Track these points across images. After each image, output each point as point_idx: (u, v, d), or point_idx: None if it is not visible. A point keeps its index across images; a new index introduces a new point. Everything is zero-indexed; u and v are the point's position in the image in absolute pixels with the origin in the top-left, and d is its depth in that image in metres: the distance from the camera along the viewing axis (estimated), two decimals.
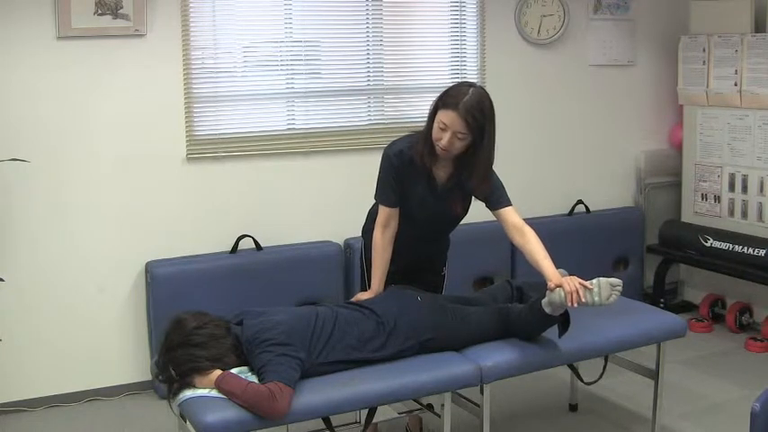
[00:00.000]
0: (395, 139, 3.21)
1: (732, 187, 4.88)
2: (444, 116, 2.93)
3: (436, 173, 3.11)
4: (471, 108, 2.90)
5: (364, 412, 3.00)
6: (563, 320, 3.01)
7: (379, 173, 3.16)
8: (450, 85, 3.07)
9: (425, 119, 4.56)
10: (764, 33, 4.63)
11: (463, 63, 4.75)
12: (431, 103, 3.05)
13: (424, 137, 3.04)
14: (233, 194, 4.25)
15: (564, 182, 5.07)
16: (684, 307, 5.20)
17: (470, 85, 3.03)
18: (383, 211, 3.17)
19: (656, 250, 5.14)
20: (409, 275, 3.26)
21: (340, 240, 4.37)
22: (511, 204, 3.11)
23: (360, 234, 3.41)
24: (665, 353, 3.40)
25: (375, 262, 3.19)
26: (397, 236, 3.20)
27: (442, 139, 2.95)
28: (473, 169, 3.02)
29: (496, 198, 3.10)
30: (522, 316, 3.09)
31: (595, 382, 3.58)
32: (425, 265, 3.36)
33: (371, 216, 3.32)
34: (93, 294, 4.00)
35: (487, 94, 3.00)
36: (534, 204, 4.71)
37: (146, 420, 3.84)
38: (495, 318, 3.12)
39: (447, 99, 2.95)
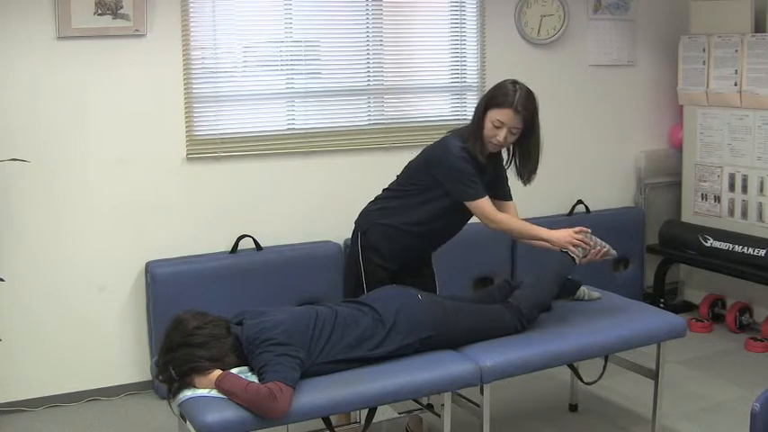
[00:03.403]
0: (438, 141, 3.29)
1: (732, 187, 4.89)
2: (499, 114, 3.12)
3: (485, 165, 3.24)
4: (525, 103, 3.12)
5: (364, 412, 3.00)
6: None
7: (459, 173, 3.17)
8: (496, 85, 3.22)
9: (425, 118, 4.61)
10: (764, 33, 4.63)
11: (463, 63, 4.75)
12: (480, 102, 3.22)
13: (475, 135, 3.17)
14: (233, 194, 4.25)
15: (564, 182, 5.07)
16: (684, 307, 5.20)
17: (514, 82, 3.18)
18: (485, 202, 3.19)
19: (656, 250, 5.14)
20: (406, 272, 3.32)
21: (340, 240, 4.37)
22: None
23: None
24: (665, 353, 3.40)
25: (524, 224, 3.27)
26: (421, 233, 3.29)
27: (498, 136, 3.14)
28: (529, 157, 3.24)
29: (507, 191, 3.37)
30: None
31: (595, 382, 3.58)
32: (422, 264, 3.44)
33: (365, 217, 3.37)
34: (94, 294, 4.00)
35: (532, 90, 3.19)
36: (534, 204, 4.70)
37: (146, 420, 3.84)
38: (495, 316, 3.13)
39: (499, 99, 3.13)
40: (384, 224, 3.30)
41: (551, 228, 3.30)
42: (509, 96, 3.11)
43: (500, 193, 3.33)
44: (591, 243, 3.24)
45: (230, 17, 4.15)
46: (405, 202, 3.30)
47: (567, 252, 3.23)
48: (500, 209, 3.28)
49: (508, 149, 3.30)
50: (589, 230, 3.26)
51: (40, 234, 3.87)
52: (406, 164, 3.44)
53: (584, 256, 3.23)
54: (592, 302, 3.51)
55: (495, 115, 3.12)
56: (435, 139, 4.55)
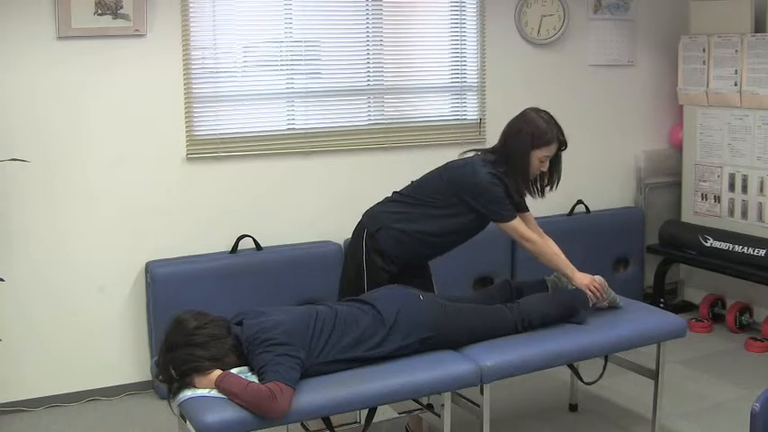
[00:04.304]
0: (467, 162, 3.33)
1: (732, 187, 4.89)
2: (547, 151, 3.28)
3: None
4: (561, 131, 3.29)
5: (364, 412, 3.00)
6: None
7: (493, 196, 3.24)
8: (533, 117, 3.31)
9: (425, 118, 4.60)
10: (764, 33, 4.63)
11: (463, 63, 4.75)
12: (519, 142, 3.27)
13: (523, 176, 3.28)
14: (233, 194, 4.25)
15: (564, 182, 5.02)
16: (684, 307, 5.20)
17: (536, 110, 3.31)
18: (518, 222, 3.29)
19: (656, 250, 5.13)
20: (404, 272, 3.33)
21: (340, 240, 4.37)
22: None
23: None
24: (665, 353, 3.41)
25: (555, 254, 3.33)
26: (432, 243, 3.34)
27: (543, 167, 3.31)
28: (558, 173, 3.40)
29: (524, 203, 3.45)
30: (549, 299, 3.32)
31: (595, 382, 3.58)
32: (420, 265, 3.46)
33: (376, 218, 3.36)
34: (94, 294, 4.00)
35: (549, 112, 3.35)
36: (534, 204, 4.69)
37: (146, 420, 3.84)
38: (495, 317, 3.14)
39: (542, 138, 3.25)
40: (397, 229, 3.31)
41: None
42: (549, 131, 3.25)
43: (519, 207, 3.39)
44: (604, 295, 3.35)
45: (230, 17, 4.15)
46: (423, 212, 3.31)
47: (584, 294, 3.32)
48: (525, 219, 3.41)
49: None
50: (606, 284, 3.38)
51: (40, 234, 3.87)
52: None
53: (593, 304, 3.36)
54: None
55: (543, 153, 3.26)
56: (434, 139, 4.63)
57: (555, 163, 3.37)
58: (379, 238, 3.31)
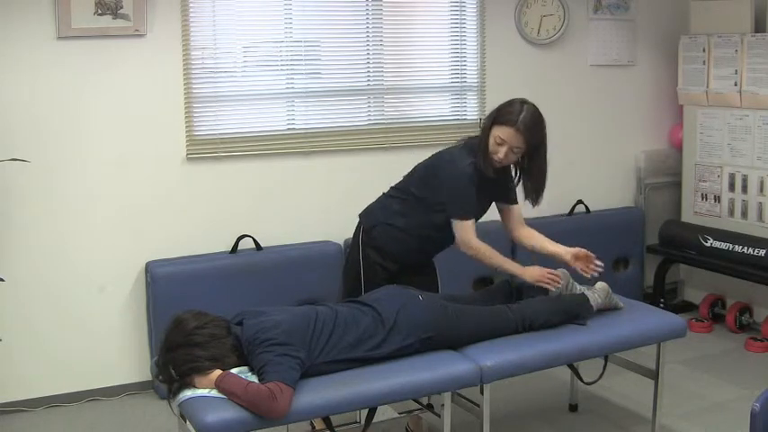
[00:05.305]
0: (449, 151, 3.29)
1: (732, 187, 4.89)
2: (502, 132, 3.13)
3: (493, 176, 3.26)
4: (528, 123, 3.12)
5: (364, 412, 3.00)
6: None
7: (458, 189, 3.19)
8: (504, 102, 3.23)
9: (425, 118, 4.60)
10: (764, 33, 4.63)
11: (463, 63, 4.75)
12: (485, 118, 3.25)
13: (481, 150, 3.18)
14: (233, 194, 4.25)
15: (564, 182, 5.05)
16: (684, 307, 5.20)
17: (523, 101, 3.18)
18: (471, 224, 3.22)
19: (656, 250, 5.14)
20: (408, 270, 3.33)
21: (340, 240, 4.37)
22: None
23: None
24: (665, 353, 3.40)
25: (499, 257, 3.27)
26: (424, 237, 3.31)
27: (498, 153, 3.15)
28: (531, 179, 3.27)
29: (513, 196, 3.38)
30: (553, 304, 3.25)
31: (595, 382, 3.58)
32: (424, 264, 3.45)
33: (371, 215, 3.37)
34: (94, 294, 4.00)
35: (540, 112, 3.17)
36: None
37: (146, 420, 3.84)
38: (496, 317, 3.14)
39: (504, 116, 3.14)
40: (389, 224, 3.31)
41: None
42: (513, 115, 3.12)
43: (506, 198, 3.37)
44: (561, 283, 3.27)
45: (230, 17, 4.15)
46: (411, 206, 3.30)
47: (587, 300, 3.29)
48: (506, 213, 3.39)
49: (515, 167, 3.32)
50: (565, 273, 3.31)
51: (40, 234, 3.87)
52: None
53: (560, 293, 3.29)
54: None
55: (497, 131, 3.15)
56: (434, 139, 4.62)
57: (526, 164, 3.24)
58: (374, 235, 3.32)
